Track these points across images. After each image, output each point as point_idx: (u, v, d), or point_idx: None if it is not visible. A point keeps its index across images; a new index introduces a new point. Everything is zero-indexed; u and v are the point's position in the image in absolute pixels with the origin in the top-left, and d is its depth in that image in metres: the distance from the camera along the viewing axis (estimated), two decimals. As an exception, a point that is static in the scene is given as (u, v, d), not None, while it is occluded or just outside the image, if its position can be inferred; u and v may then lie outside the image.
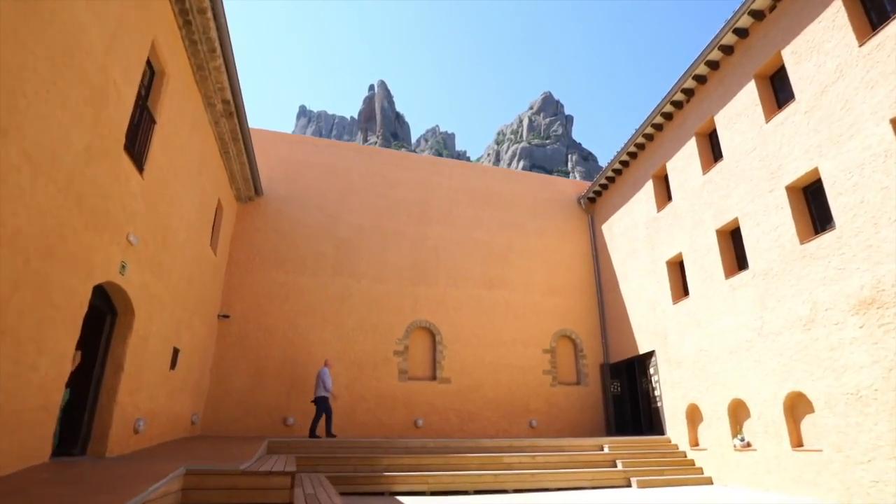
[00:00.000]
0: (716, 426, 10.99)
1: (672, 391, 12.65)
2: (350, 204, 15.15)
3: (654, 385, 13.58)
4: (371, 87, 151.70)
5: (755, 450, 9.88)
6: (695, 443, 11.91)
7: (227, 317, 13.10)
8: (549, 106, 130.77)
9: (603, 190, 16.61)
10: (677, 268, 13.23)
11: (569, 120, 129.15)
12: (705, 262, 11.71)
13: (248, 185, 13.65)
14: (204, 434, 12.18)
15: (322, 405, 11.91)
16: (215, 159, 11.65)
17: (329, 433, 11.96)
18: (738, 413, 10.62)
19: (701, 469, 11.30)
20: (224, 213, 12.94)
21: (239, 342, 13.10)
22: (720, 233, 11.45)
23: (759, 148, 10.28)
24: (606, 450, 11.92)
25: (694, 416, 12.01)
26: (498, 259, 15.89)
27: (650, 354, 13.74)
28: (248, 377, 12.90)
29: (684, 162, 12.72)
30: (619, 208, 15.64)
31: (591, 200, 17.26)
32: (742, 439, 10.33)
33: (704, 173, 11.97)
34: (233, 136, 11.68)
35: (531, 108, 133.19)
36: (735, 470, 10.29)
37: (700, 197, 12.03)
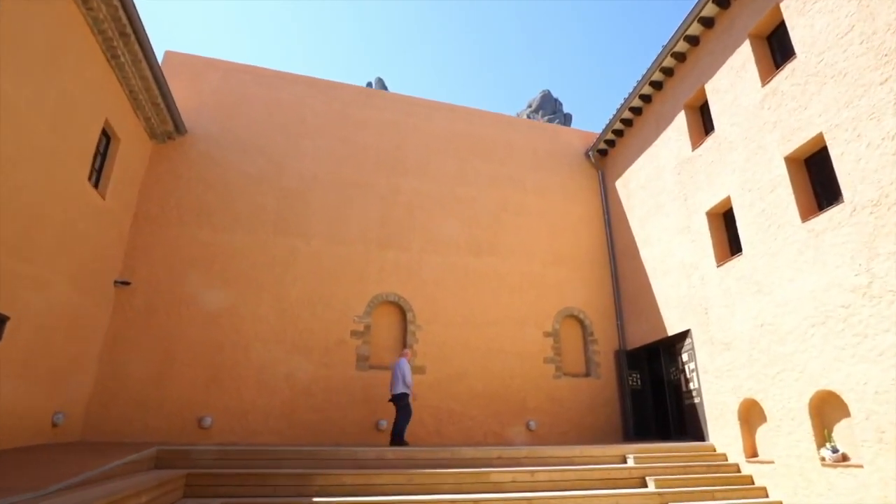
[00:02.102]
0: (789, 430, 7.61)
1: (716, 382, 9.27)
2: (301, 149, 11.80)
3: (687, 375, 10.20)
4: (368, 84, 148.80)
5: (859, 466, 6.51)
6: (752, 452, 8.52)
7: (126, 284, 9.73)
8: (548, 104, 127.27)
9: (617, 138, 13.23)
10: (721, 220, 9.86)
11: (567, 118, 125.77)
12: (768, 203, 8.34)
13: (161, 116, 10.29)
14: (76, 440, 8.80)
15: (402, 404, 9.24)
16: (94, 64, 8.30)
17: (401, 439, 9.19)
18: (825, 411, 7.24)
19: (764, 490, 7.92)
20: (123, 147, 9.59)
21: (143, 318, 9.72)
22: (792, 160, 8.08)
23: (862, 25, 6.94)
24: (631, 462, 8.55)
25: (751, 416, 8.63)
26: (488, 220, 12.52)
27: (682, 336, 10.37)
28: (153, 364, 9.52)
29: (733, 76, 9.35)
30: (639, 156, 12.27)
31: (602, 153, 13.89)
32: (835, 450, 6.95)
33: (765, 83, 8.61)
34: (120, 30, 8.33)
35: (529, 105, 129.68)
36: (823, 494, 6.90)
37: (758, 117, 8.67)
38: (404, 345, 10.96)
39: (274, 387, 9.94)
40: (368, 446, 8.87)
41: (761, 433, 8.41)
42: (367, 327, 10.81)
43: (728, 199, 9.36)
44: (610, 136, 13.24)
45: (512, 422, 11.03)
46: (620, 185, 13.02)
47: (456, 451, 8.33)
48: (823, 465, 7.00)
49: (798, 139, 7.85)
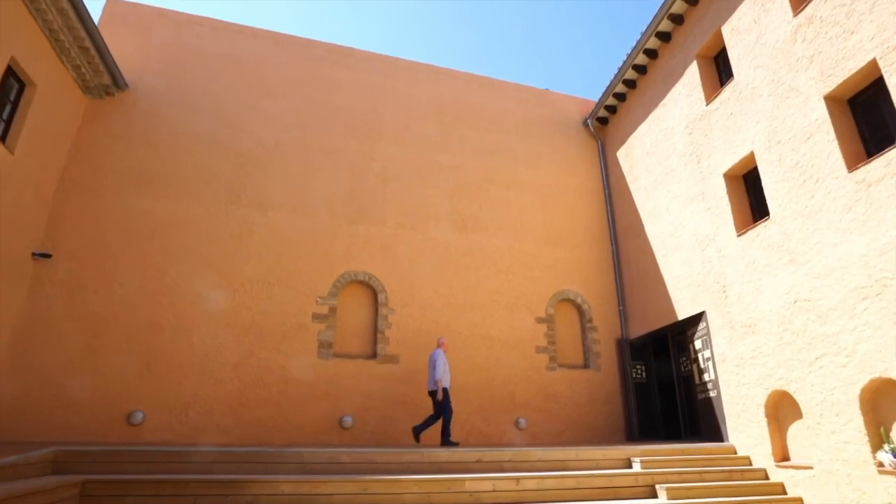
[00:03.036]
0: (832, 428, 6.10)
1: (737, 372, 7.76)
2: (262, 110, 10.31)
3: (701, 365, 8.69)
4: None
5: (933, 474, 5.01)
6: (783, 455, 7.01)
7: (47, 256, 8.25)
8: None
9: (619, 103, 11.72)
10: (741, 182, 8.37)
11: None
12: (802, 154, 6.84)
13: (94, 66, 8.82)
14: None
15: (445, 399, 8.13)
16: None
17: (448, 438, 8.07)
18: (882, 405, 5.74)
19: (801, 501, 6.41)
20: (42, 96, 8.12)
21: (66, 296, 8.24)
22: (833, 100, 6.59)
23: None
24: (637, 467, 7.04)
25: (781, 412, 7.12)
26: (474, 193, 11.03)
27: (695, 320, 8.86)
28: (76, 350, 8.03)
29: (757, 11, 7.85)
30: (644, 120, 10.77)
31: (602, 122, 12.38)
32: (897, 453, 5.46)
33: (797, 12, 7.11)
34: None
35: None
36: (884, 509, 5.41)
37: (789, 54, 7.17)
38: (375, 330, 9.46)
39: (220, 377, 8.45)
40: (325, 447, 7.38)
41: (795, 432, 6.90)
42: (332, 310, 9.31)
43: (751, 157, 7.85)
44: (611, 101, 11.73)
45: (498, 419, 9.52)
46: (623, 154, 11.52)
47: (427, 452, 6.84)
48: (881, 471, 5.50)
49: (842, 73, 6.35)
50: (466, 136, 11.46)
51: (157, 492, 5.63)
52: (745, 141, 7.91)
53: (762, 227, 7.45)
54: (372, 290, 9.72)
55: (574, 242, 11.29)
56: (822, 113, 6.57)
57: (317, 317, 9.19)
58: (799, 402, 6.66)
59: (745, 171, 8.27)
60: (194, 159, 9.56)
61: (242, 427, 8.33)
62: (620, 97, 11.56)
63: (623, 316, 10.89)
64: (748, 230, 7.73)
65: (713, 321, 8.36)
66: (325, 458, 6.60)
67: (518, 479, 6.34)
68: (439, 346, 8.65)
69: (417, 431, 7.96)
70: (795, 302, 6.77)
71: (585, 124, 12.45)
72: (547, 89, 12.71)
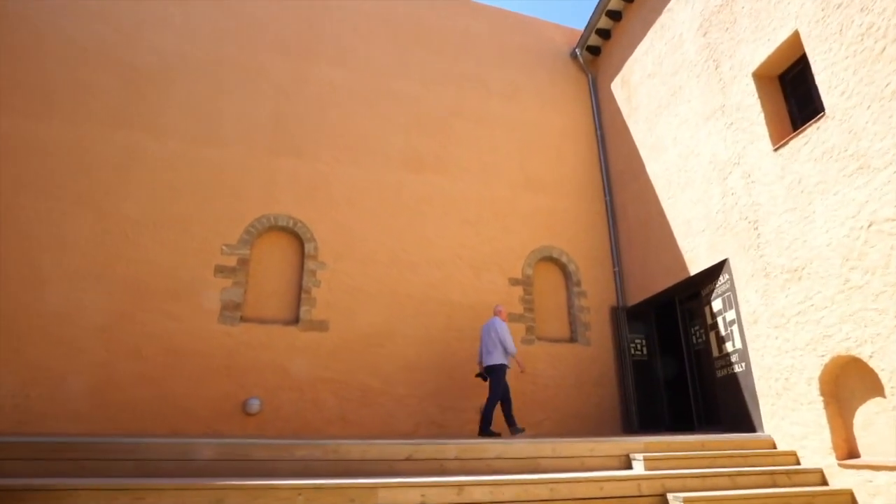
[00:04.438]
0: (945, 407, 3.86)
1: (775, 336, 5.51)
2: (165, 17, 8.04)
3: (722, 332, 6.43)
4: None
5: None
6: (849, 451, 4.77)
7: None
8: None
9: (613, 23, 9.44)
10: (776, 83, 6.14)
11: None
12: (878, 13, 4.61)
13: (-74, -62, 6.59)
14: None
15: (499, 379, 6.48)
16: None
17: (487, 426, 6.40)
18: None
19: (885, 519, 4.17)
20: None
21: None
22: (933, -84, 4.38)
23: None
24: (639, 468, 4.78)
25: (844, 388, 4.88)
26: (435, 127, 8.77)
27: (713, 273, 6.61)
28: None
29: None
30: (643, 37, 8.53)
31: (593, 52, 10.12)
32: None
33: None
34: None
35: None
36: None
37: None
38: (299, 289, 7.19)
39: (81, 345, 6.17)
40: (206, 438, 5.10)
41: (869, 417, 4.65)
42: (243, 262, 7.04)
43: (793, 41, 5.61)
44: (603, 22, 9.48)
45: (458, 405, 7.25)
46: (618, 84, 9.27)
47: (337, 446, 4.56)
48: None
49: None
50: (428, 62, 9.20)
51: None
52: (784, 20, 5.67)
53: (813, 131, 5.20)
54: (297, 239, 7.45)
55: (559, 191, 9.03)
56: (914, -61, 4.35)
57: (221, 270, 6.92)
58: (878, 372, 4.41)
59: (781, 69, 6.04)
60: (71, 71, 7.29)
61: (107, 412, 6.05)
62: (615, 15, 9.30)
63: (619, 278, 8.63)
64: (790, 140, 5.48)
65: (740, 270, 6.10)
66: (176, 454, 4.34)
67: (461, 485, 4.08)
68: (497, 314, 6.90)
69: (510, 424, 6.49)
70: (871, 225, 4.53)
71: (574, 56, 10.20)
72: (529, 16, 10.45)
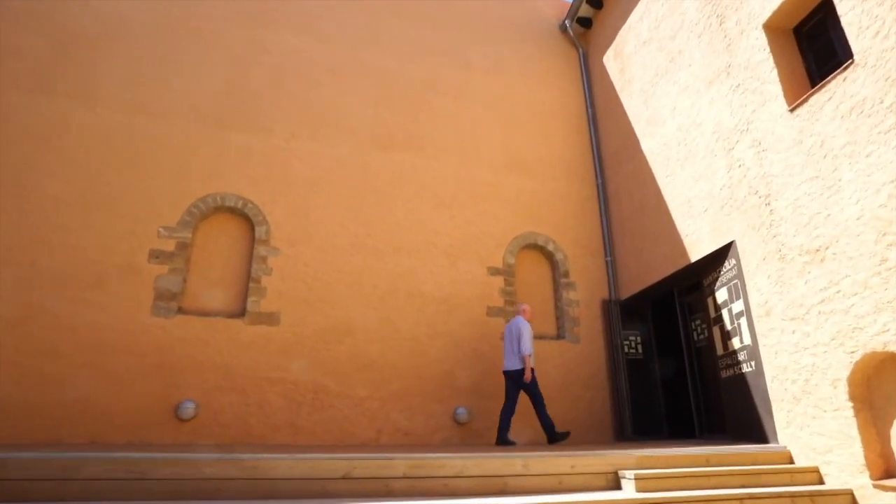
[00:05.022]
0: None
1: (793, 330, 4.60)
2: (109, -22, 7.19)
3: (727, 326, 5.53)
4: None
5: None
6: (886, 469, 3.85)
7: None
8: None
9: (606, -8, 8.60)
10: (790, 38, 5.25)
11: None
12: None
13: None
14: None
15: (517, 385, 5.93)
16: None
17: (552, 430, 5.81)
18: None
19: (939, 557, 3.26)
20: None
21: None
22: None
23: None
24: (630, 489, 3.87)
25: (879, 391, 3.95)
26: (408, 102, 7.88)
27: (717, 259, 5.71)
28: None
29: None
30: (638, 1, 7.65)
31: (584, 24, 9.21)
32: None
33: None
34: None
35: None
36: None
37: None
38: (248, 278, 6.30)
39: (1, 341, 5.29)
40: (124, 449, 4.21)
41: (914, 426, 3.75)
42: (183, 247, 6.14)
43: (814, -21, 4.74)
44: (596, -9, 8.61)
45: (428, 410, 6.34)
46: (611, 57, 8.38)
47: (256, 462, 3.66)
48: None
49: None
50: (402, 32, 8.33)
51: None
52: (802, -42, 4.79)
53: (838, 84, 4.31)
54: (247, 222, 6.56)
55: (545, 173, 8.14)
56: None
57: (157, 255, 6.03)
58: (925, 370, 3.51)
59: (797, 20, 5.14)
60: (-6, 34, 6.43)
61: (12, 418, 5.16)
62: (608, -17, 8.44)
63: (611, 269, 7.73)
64: (810, 96, 4.59)
65: (749, 254, 5.21)
66: (52, 472, 3.44)
67: (401, 515, 3.19)
68: (520, 313, 6.26)
69: (501, 434, 5.80)
70: (915, 190, 3.63)
71: (563, 29, 9.31)
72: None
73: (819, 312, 4.34)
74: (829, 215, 4.32)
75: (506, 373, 5.97)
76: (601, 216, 8.03)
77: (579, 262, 7.71)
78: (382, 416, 6.14)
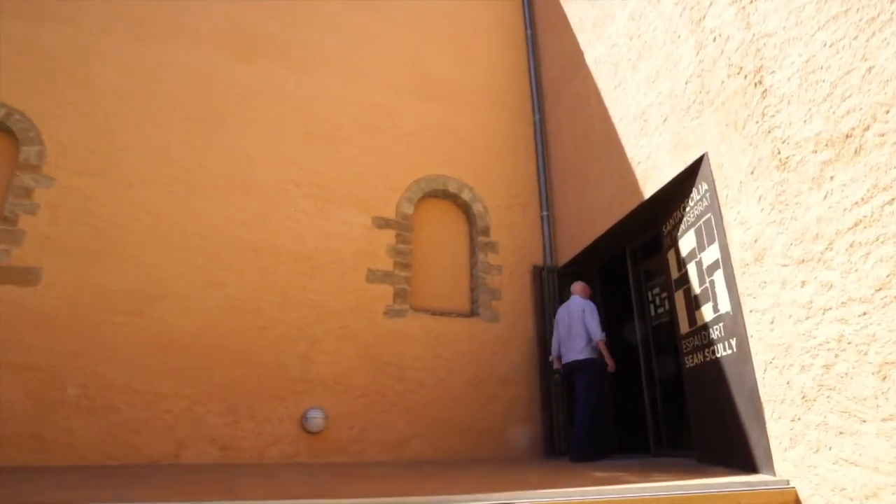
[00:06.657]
0: None
1: (801, 281, 2.61)
2: None
3: (697, 288, 3.54)
4: None
5: None
6: None
7: None
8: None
9: None
10: None
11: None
12: None
13: None
14: None
15: (592, 380, 4.29)
16: None
17: (601, 447, 4.28)
18: None
19: None
20: None
21: None
22: None
23: None
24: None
25: None
26: (277, 2, 5.82)
27: (683, 187, 3.72)
28: None
29: None
30: None
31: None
32: None
33: None
34: None
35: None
36: None
37: None
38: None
39: None
40: None
41: None
42: None
43: None
44: None
45: (266, 410, 4.26)
46: (556, -35, 6.37)
47: None
48: None
49: None
50: (284, -80, 6.26)
51: None
52: None
53: None
54: (11, 139, 4.42)
55: (466, 102, 6.10)
56: None
57: None
58: None
59: None
60: None
61: None
62: None
63: (547, 226, 5.70)
64: None
65: (728, 168, 3.21)
66: None
67: None
68: (576, 292, 4.67)
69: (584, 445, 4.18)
70: None
71: (502, -63, 7.30)
72: None
73: (852, 244, 2.35)
74: (871, 69, 2.33)
75: (572, 366, 4.37)
76: (537, 159, 6.01)
77: (505, 216, 5.68)
78: (190, 420, 4.05)
